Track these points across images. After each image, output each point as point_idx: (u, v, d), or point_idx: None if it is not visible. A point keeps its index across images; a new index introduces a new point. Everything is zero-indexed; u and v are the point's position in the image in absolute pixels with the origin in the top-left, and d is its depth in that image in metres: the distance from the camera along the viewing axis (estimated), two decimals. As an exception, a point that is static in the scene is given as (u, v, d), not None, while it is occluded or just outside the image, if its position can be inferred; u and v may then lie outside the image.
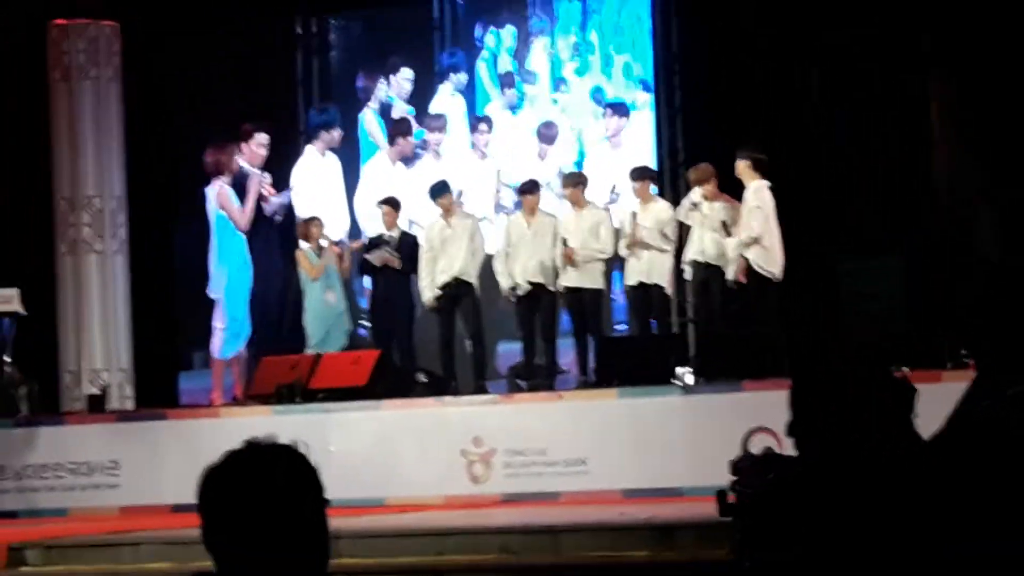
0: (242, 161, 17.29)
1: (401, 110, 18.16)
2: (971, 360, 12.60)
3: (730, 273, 14.56)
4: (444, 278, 15.54)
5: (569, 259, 15.11)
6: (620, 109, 17.11)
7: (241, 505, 2.98)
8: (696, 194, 14.74)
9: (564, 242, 15.15)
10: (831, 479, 3.54)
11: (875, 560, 3.46)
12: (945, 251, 15.13)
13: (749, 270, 14.47)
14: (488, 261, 15.72)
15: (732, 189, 14.76)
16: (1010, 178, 14.85)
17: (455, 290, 15.54)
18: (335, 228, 17.15)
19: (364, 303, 17.00)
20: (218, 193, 17.00)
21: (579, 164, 17.13)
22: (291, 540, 2.99)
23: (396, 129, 17.87)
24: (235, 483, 3.01)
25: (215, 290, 17.03)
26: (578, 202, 15.37)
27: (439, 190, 15.88)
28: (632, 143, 17.03)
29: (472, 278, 15.59)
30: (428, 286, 15.62)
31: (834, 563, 3.47)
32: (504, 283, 15.43)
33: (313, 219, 16.47)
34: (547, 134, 17.44)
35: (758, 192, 14.50)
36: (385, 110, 18.23)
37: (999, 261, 14.42)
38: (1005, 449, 3.72)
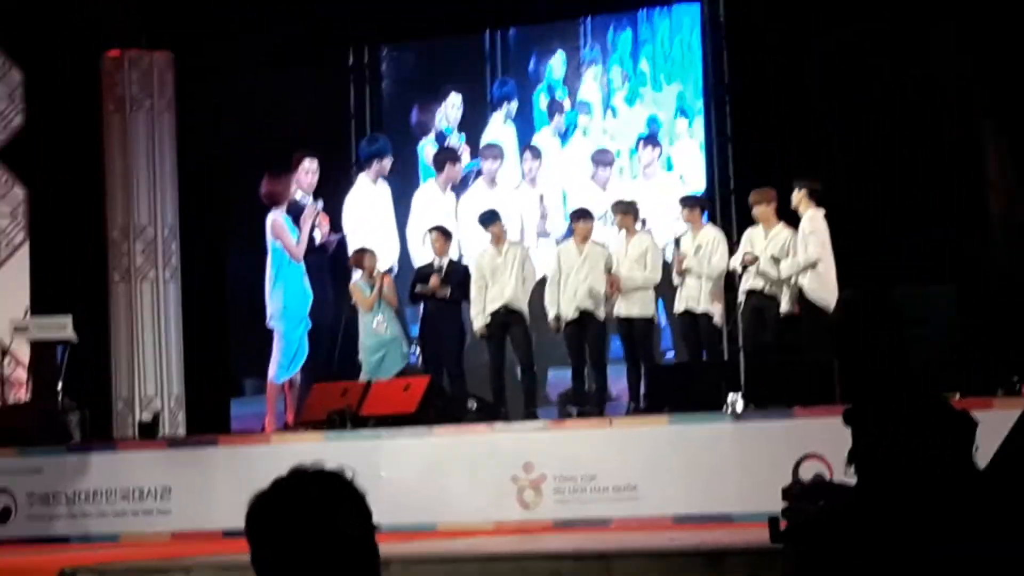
0: (297, 191, 17.42)
1: (455, 139, 18.24)
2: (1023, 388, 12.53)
3: (784, 304, 14.51)
4: (494, 306, 15.54)
5: (613, 287, 15.11)
6: (652, 140, 17.18)
7: (288, 532, 3.00)
8: (746, 257, 14.59)
9: (608, 270, 15.17)
10: (884, 508, 3.53)
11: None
12: (998, 277, 15.03)
13: (802, 300, 14.41)
14: (538, 288, 15.72)
15: (786, 218, 14.73)
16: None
17: (505, 318, 15.54)
18: (386, 257, 17.21)
19: (415, 330, 17.03)
20: (273, 223, 17.17)
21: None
22: (340, 566, 3.00)
23: (443, 156, 17.94)
24: (282, 510, 3.02)
25: (272, 319, 17.13)
26: (629, 230, 15.37)
27: (489, 218, 15.89)
28: (661, 173, 17.12)
29: (522, 306, 15.58)
30: (479, 314, 15.62)
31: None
32: (550, 313, 15.42)
33: (366, 250, 16.49)
34: (603, 161, 17.48)
35: (813, 219, 14.47)
36: (442, 139, 18.30)
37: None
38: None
